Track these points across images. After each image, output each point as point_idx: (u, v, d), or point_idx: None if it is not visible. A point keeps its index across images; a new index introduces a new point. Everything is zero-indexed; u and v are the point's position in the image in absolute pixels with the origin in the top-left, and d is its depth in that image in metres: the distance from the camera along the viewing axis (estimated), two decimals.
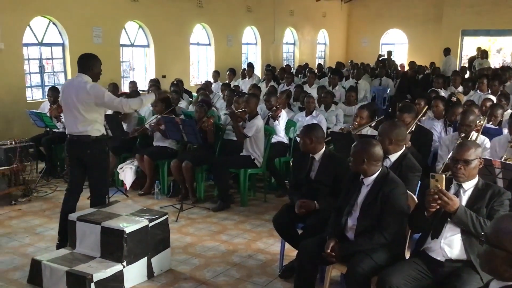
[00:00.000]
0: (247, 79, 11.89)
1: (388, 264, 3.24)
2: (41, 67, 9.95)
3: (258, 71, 14.51)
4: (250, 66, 12.50)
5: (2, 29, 8.68)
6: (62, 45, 10.02)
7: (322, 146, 4.37)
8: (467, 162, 3.16)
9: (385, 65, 14.31)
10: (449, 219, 3.13)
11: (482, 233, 3.00)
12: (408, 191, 3.56)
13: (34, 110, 7.61)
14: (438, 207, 3.07)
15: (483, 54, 14.85)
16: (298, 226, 4.30)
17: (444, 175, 3.07)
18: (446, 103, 6.48)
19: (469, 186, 3.22)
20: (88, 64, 4.65)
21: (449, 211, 3.05)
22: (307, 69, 13.28)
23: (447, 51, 14.79)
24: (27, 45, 9.49)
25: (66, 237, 4.61)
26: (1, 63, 8.78)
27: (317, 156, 4.34)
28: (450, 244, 3.15)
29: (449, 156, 4.46)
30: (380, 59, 15.67)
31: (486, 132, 5.19)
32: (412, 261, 3.23)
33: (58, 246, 4.70)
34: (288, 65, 14.98)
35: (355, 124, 5.57)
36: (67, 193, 4.87)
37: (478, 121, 5.06)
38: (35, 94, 9.88)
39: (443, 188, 3.03)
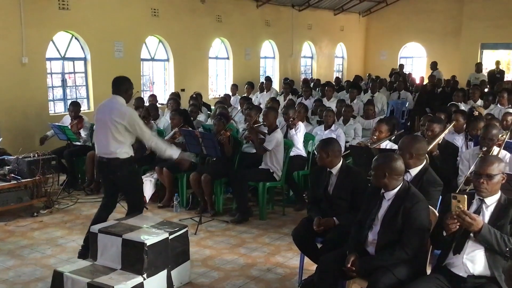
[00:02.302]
0: (265, 92, 11.94)
1: (410, 280, 3.21)
2: (64, 81, 10.14)
3: (276, 85, 14.55)
4: (268, 79, 12.55)
5: (26, 43, 8.88)
6: (84, 59, 10.21)
7: (339, 160, 4.36)
8: (490, 177, 3.13)
9: (401, 78, 14.17)
10: (471, 234, 3.10)
11: (506, 249, 2.97)
12: (429, 206, 3.54)
13: (56, 123, 7.75)
14: (457, 227, 3.04)
15: (478, 67, 14.64)
16: (318, 240, 4.28)
17: (465, 196, 3.03)
18: (466, 117, 6.42)
19: (491, 202, 3.18)
20: (123, 86, 4.83)
21: (473, 231, 3.03)
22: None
23: (433, 65, 14.69)
24: (50, 59, 9.68)
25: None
26: (25, 77, 8.97)
27: (334, 170, 4.34)
28: (473, 260, 3.12)
29: (470, 170, 4.43)
30: (393, 73, 15.58)
31: (507, 147, 5.13)
32: (434, 277, 3.20)
33: (80, 253, 4.82)
34: (305, 79, 15.00)
35: (374, 138, 5.50)
36: (102, 206, 4.99)
37: (500, 135, 5.01)
38: (57, 108, 10.05)
39: (465, 208, 3.00)
